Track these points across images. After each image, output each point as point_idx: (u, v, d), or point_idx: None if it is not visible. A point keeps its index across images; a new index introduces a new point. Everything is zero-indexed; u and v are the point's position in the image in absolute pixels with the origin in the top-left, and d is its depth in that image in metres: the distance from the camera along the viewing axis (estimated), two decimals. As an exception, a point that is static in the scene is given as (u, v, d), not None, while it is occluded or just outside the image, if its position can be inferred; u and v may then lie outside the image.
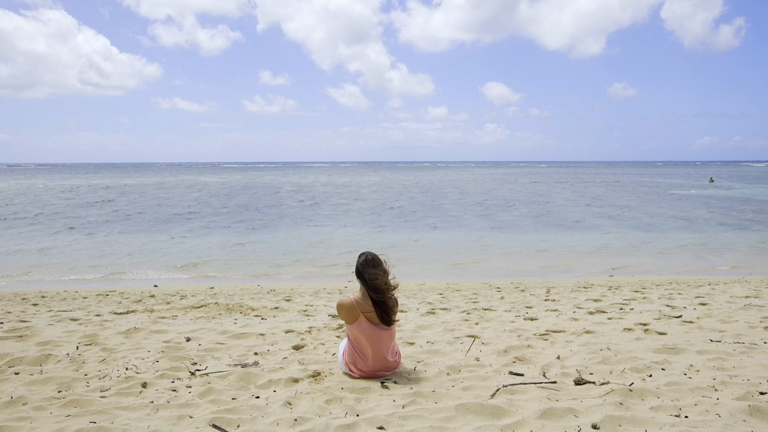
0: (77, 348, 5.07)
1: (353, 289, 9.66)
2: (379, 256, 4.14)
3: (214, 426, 2.93)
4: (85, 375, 4.14)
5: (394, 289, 4.14)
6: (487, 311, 7.48)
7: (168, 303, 8.94)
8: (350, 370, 4.16)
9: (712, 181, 58.95)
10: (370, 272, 4.04)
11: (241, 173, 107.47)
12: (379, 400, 3.53)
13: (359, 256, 4.16)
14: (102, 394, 3.68)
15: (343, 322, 5.54)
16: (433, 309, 7.78)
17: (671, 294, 9.03)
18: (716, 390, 3.56)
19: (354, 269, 4.13)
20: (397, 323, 4.62)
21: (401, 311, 7.61)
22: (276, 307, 8.23)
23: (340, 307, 4.10)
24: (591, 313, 7.12)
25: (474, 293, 9.81)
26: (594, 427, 2.92)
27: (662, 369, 4.18)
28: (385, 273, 4.07)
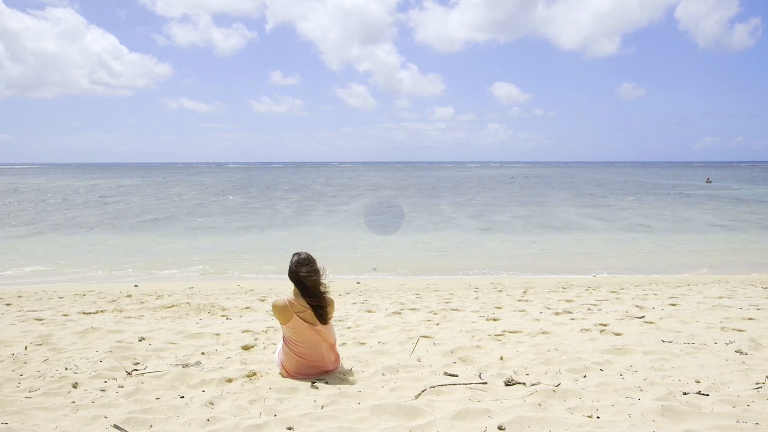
0: (26, 348, 5.07)
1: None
2: (312, 256, 4.13)
3: (116, 426, 2.92)
4: (21, 375, 4.13)
5: (325, 288, 4.11)
6: (454, 312, 7.45)
7: (142, 303, 8.94)
8: (285, 370, 4.14)
9: (709, 181, 58.53)
10: (303, 272, 4.03)
11: (243, 172, 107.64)
12: (301, 400, 3.52)
13: (292, 256, 4.15)
14: (29, 394, 3.68)
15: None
16: (401, 309, 7.74)
17: (646, 294, 8.97)
18: (641, 390, 3.53)
19: (288, 270, 4.11)
20: (333, 321, 4.59)
21: (368, 312, 7.59)
22: (247, 307, 8.22)
23: (275, 307, 4.10)
24: (557, 313, 7.08)
25: (450, 294, 9.76)
26: (500, 428, 2.89)
27: (600, 370, 4.15)
28: (317, 273, 4.06)
